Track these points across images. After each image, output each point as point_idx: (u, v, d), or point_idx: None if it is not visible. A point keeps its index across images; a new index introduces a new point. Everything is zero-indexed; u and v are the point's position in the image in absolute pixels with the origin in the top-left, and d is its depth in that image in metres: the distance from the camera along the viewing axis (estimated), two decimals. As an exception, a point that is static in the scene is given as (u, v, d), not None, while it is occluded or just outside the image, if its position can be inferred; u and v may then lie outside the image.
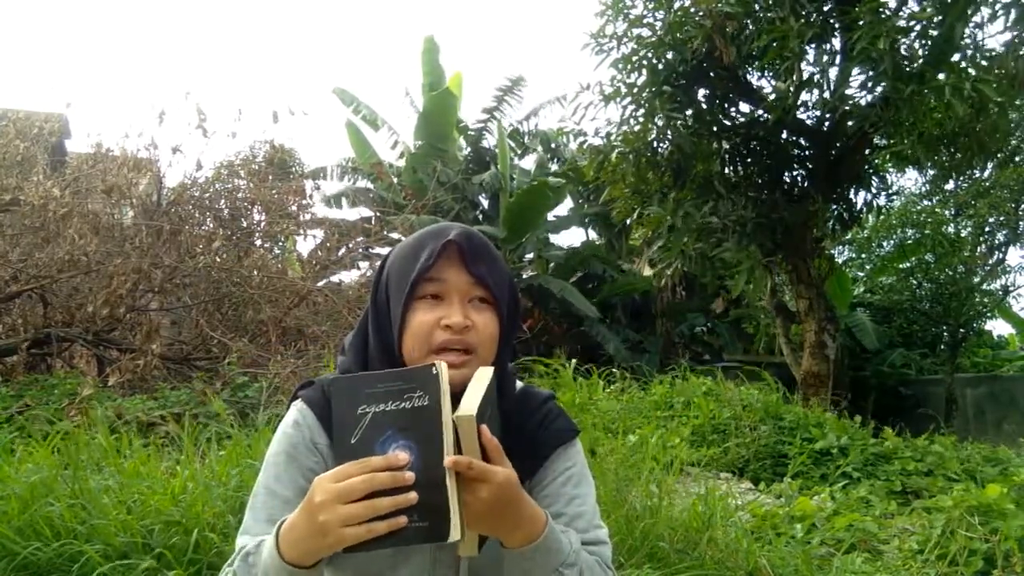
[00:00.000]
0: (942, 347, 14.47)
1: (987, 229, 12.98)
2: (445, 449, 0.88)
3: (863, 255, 14.69)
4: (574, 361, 6.40)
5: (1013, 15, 6.76)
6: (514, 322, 1.13)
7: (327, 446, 1.06)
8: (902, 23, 6.68)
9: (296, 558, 0.90)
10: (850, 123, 7.46)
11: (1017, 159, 9.72)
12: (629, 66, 7.77)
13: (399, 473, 0.86)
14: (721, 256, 8.64)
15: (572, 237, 29.51)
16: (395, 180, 13.89)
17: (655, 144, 8.11)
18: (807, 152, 8.54)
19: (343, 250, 9.03)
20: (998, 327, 17.55)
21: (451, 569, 1.09)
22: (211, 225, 7.64)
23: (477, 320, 1.06)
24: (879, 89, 7.04)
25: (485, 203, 14.24)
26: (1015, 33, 6.85)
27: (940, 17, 6.70)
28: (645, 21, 7.73)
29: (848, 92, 7.36)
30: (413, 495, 0.86)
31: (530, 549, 0.99)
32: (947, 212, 13.57)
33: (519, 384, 1.19)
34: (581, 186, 12.99)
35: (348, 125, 13.91)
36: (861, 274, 15.22)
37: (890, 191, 10.16)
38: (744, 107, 8.45)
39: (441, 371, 0.89)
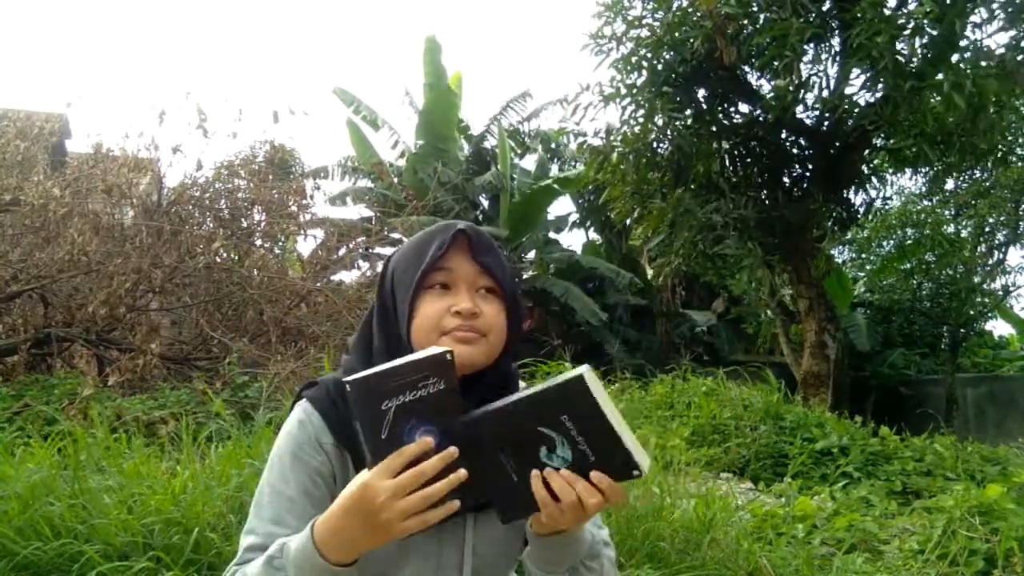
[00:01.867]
0: (942, 347, 14.46)
1: (987, 229, 12.98)
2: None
3: (863, 255, 14.68)
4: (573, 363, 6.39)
5: (1009, 13, 6.77)
6: (517, 318, 1.15)
7: (332, 445, 1.07)
8: (902, 22, 6.68)
9: (343, 558, 0.94)
10: (849, 121, 7.46)
11: (1013, 158, 9.67)
12: (628, 67, 7.76)
13: (445, 453, 0.91)
14: (722, 253, 8.63)
15: (571, 238, 29.47)
16: (395, 180, 13.89)
17: (655, 144, 8.10)
18: (807, 152, 8.54)
19: (343, 250, 9.03)
20: (998, 327, 17.54)
21: (455, 569, 1.10)
22: (211, 225, 7.62)
23: (485, 309, 1.08)
24: (879, 88, 7.03)
25: (486, 203, 14.24)
26: (1012, 32, 6.86)
27: (939, 21, 6.69)
28: (644, 22, 7.72)
29: (848, 91, 7.35)
30: (463, 472, 0.92)
31: (566, 538, 1.02)
32: (947, 212, 13.56)
33: (522, 384, 1.19)
34: (581, 187, 12.97)
35: (349, 124, 13.91)
36: (861, 274, 15.22)
37: (885, 195, 10.17)
38: (744, 107, 8.45)
39: (453, 357, 0.96)
